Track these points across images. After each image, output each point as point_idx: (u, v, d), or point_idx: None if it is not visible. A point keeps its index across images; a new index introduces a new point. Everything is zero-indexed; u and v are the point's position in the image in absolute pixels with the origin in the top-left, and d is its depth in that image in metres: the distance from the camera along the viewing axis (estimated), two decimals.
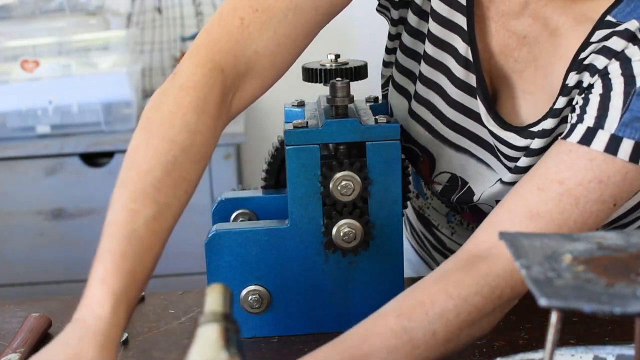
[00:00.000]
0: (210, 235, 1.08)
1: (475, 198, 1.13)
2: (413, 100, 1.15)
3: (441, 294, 0.91)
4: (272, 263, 1.08)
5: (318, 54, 1.22)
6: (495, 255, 0.94)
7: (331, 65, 1.07)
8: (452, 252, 1.30)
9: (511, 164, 1.08)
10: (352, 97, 1.08)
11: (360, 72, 1.07)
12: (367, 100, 1.16)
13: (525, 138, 1.05)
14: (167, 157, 0.92)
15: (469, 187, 1.14)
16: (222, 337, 0.74)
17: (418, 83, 1.13)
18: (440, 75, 1.11)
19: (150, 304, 1.22)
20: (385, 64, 1.22)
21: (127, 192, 0.93)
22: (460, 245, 1.25)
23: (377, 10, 1.18)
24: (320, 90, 1.14)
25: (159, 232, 0.89)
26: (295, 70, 1.14)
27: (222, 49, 1.00)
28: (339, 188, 1.04)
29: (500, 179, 1.09)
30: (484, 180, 1.13)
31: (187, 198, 0.93)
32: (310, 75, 1.08)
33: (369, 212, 1.06)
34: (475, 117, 1.11)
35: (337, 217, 1.05)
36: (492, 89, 1.10)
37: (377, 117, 1.07)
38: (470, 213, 1.21)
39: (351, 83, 1.08)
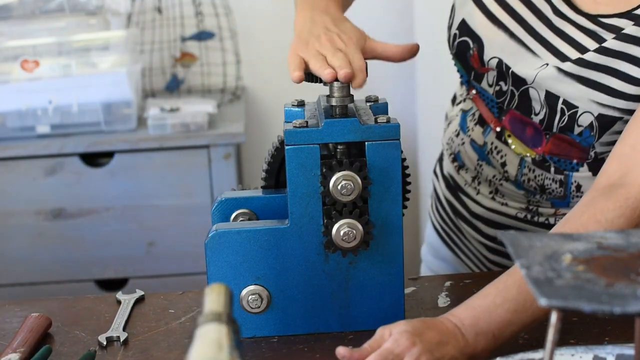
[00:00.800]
0: (210, 235, 1.08)
1: (529, 80, 1.22)
2: None
3: (590, 221, 1.04)
4: (272, 263, 1.08)
5: None
6: (630, 183, 1.07)
7: None
8: (475, 215, 1.37)
9: (574, 53, 1.18)
10: (352, 97, 1.08)
11: None
12: (367, 100, 1.16)
13: (595, 24, 1.17)
14: None
15: (512, 72, 1.24)
16: (222, 337, 0.74)
17: None
18: None
19: (150, 304, 1.22)
20: None
21: None
22: (482, 204, 1.36)
23: None
24: (320, 90, 1.13)
25: None
26: None
27: None
28: (338, 188, 1.04)
29: (557, 67, 1.19)
30: (527, 65, 1.22)
31: None
32: (311, 75, 1.08)
33: (369, 212, 1.06)
34: (533, 8, 1.22)
35: (337, 217, 1.05)
36: None
37: (377, 117, 1.07)
38: (512, 115, 1.27)
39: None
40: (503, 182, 1.32)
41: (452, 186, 1.42)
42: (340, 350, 0.96)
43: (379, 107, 1.14)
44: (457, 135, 1.39)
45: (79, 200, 2.18)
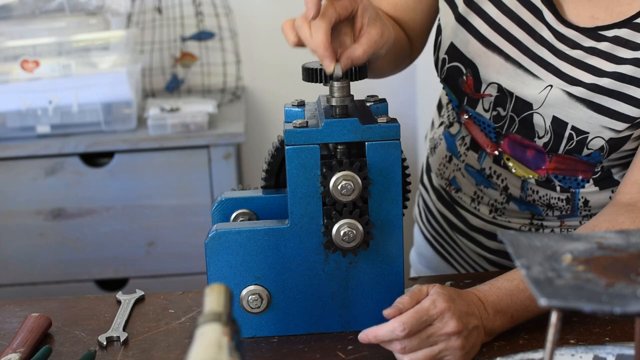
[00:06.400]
0: (210, 235, 1.08)
1: (536, 104, 1.19)
2: (462, 4, 1.22)
3: (612, 230, 1.03)
4: (272, 263, 1.08)
5: None
6: None
7: None
8: (475, 228, 1.35)
9: (585, 76, 1.15)
10: (352, 97, 1.08)
11: (360, 72, 1.07)
12: (367, 100, 1.16)
13: (591, 39, 1.15)
14: None
15: (516, 97, 1.21)
16: (222, 337, 0.74)
17: None
18: None
19: (150, 304, 1.22)
20: None
21: None
22: (482, 218, 1.33)
23: None
24: (320, 90, 1.13)
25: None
26: (295, 70, 1.13)
27: None
28: (339, 188, 1.04)
29: (566, 91, 1.16)
30: (530, 89, 1.19)
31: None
32: (310, 75, 1.08)
33: (369, 212, 1.06)
34: (528, 29, 1.19)
35: (337, 217, 1.05)
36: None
37: (377, 116, 1.07)
38: (511, 139, 1.24)
39: (351, 83, 1.08)
40: (506, 205, 1.30)
41: (447, 200, 1.39)
42: (388, 312, 1.00)
43: (379, 107, 1.14)
44: (450, 161, 1.36)
45: (79, 200, 2.18)
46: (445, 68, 1.27)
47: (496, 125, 1.25)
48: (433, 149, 1.41)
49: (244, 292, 1.09)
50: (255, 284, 1.09)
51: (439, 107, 1.44)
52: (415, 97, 2.65)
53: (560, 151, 1.19)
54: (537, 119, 1.19)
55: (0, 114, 2.18)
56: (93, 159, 2.19)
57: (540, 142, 1.21)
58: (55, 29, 2.23)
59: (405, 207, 1.11)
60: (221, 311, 0.77)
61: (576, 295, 0.63)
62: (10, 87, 2.17)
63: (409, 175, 1.15)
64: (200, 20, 2.50)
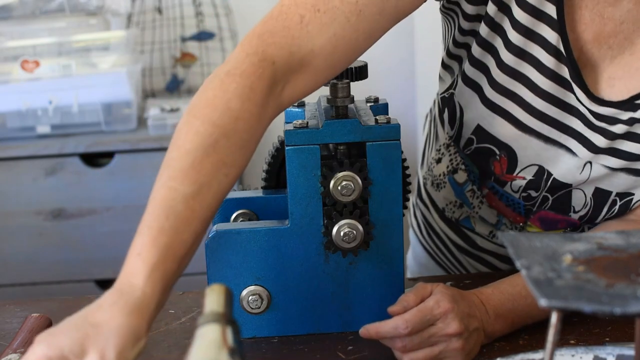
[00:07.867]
0: (210, 235, 1.08)
1: (576, 184, 1.13)
2: (489, 88, 1.12)
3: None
4: (272, 263, 1.08)
5: None
6: None
7: None
8: (485, 250, 1.30)
9: (624, 146, 1.08)
10: (352, 97, 1.08)
11: (360, 72, 1.07)
12: (367, 100, 1.16)
13: (629, 110, 1.07)
14: (208, 140, 0.91)
15: (554, 177, 1.13)
16: (222, 337, 0.74)
17: (498, 72, 1.11)
18: (528, 66, 1.09)
19: None
20: (450, 60, 1.18)
21: (168, 171, 0.92)
22: (493, 241, 1.28)
23: (441, 10, 1.16)
24: (320, 90, 1.13)
25: (197, 210, 0.90)
26: None
27: (277, 43, 0.97)
28: (339, 188, 1.04)
29: (607, 166, 1.10)
30: (569, 168, 1.12)
31: (228, 181, 0.92)
32: None
33: (369, 212, 1.06)
34: (565, 106, 1.10)
35: (337, 217, 1.05)
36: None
37: (377, 117, 1.07)
38: (543, 214, 1.19)
39: (351, 83, 1.08)
40: None
41: (452, 221, 1.32)
42: (393, 308, 1.01)
43: (379, 107, 1.14)
44: (460, 207, 1.28)
45: (79, 200, 2.18)
46: (473, 147, 1.17)
47: (527, 203, 1.18)
48: (436, 185, 1.31)
49: (244, 292, 1.09)
50: (255, 284, 1.09)
51: (436, 136, 1.31)
52: (415, 98, 2.65)
53: (598, 220, 1.15)
54: (576, 193, 1.14)
55: (0, 114, 2.18)
56: (93, 159, 2.19)
57: (575, 216, 1.15)
58: (55, 29, 2.24)
59: (405, 207, 1.11)
60: (221, 311, 0.77)
61: (576, 296, 0.63)
62: (10, 87, 2.17)
63: (409, 175, 1.15)
64: (200, 21, 2.50)
